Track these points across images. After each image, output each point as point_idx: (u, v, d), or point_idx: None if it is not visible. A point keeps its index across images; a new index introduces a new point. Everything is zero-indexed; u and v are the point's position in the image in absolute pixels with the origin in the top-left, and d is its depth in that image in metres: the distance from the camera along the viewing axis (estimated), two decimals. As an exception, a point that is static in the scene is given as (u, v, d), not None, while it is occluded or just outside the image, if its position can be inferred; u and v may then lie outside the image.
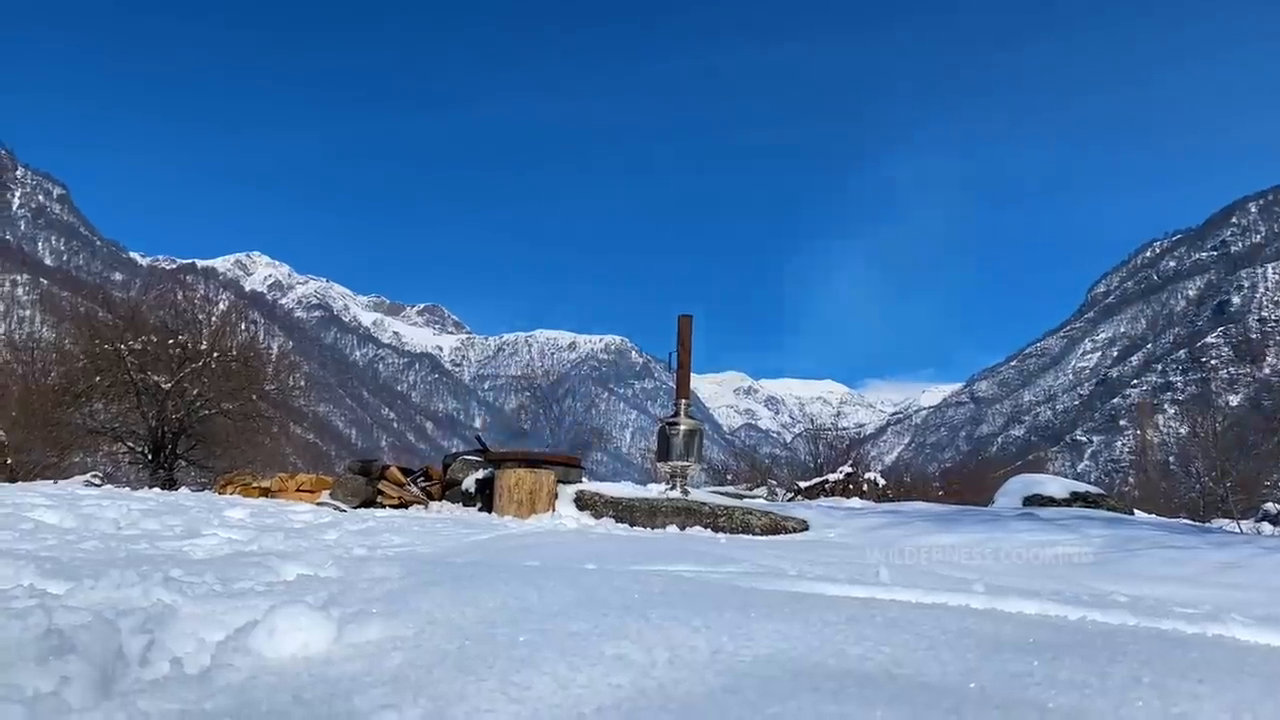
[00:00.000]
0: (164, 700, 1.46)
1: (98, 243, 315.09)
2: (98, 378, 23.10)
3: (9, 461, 22.06)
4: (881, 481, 22.94)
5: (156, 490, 12.76)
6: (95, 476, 17.21)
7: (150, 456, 23.51)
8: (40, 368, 25.89)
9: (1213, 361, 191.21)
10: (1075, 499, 13.05)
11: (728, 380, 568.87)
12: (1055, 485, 13.65)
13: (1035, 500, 12.90)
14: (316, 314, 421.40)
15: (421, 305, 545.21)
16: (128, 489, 13.36)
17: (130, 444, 24.44)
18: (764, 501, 13.01)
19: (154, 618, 2.02)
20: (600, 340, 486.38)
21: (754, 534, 9.01)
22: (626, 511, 9.87)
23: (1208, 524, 14.57)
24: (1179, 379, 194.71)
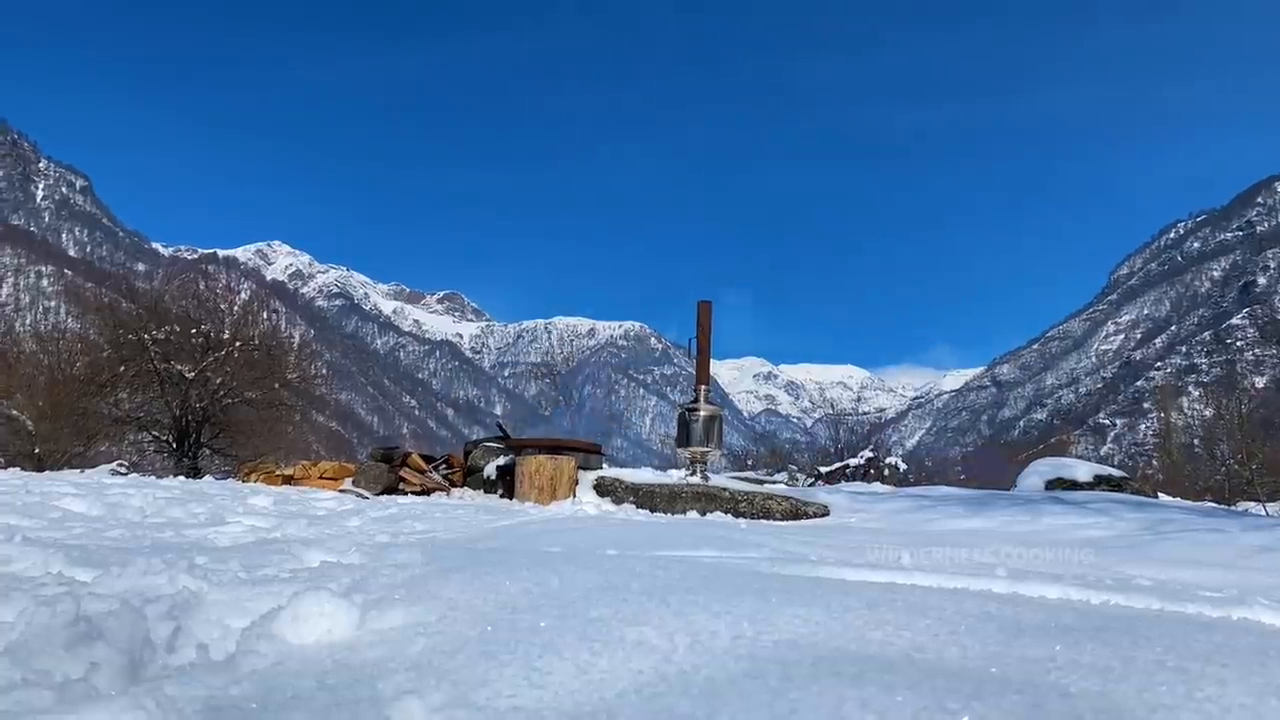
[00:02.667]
0: (190, 686, 1.48)
1: (120, 234, 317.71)
2: (122, 367, 23.33)
3: (37, 450, 22.33)
4: (903, 466, 22.88)
5: (181, 478, 12.87)
6: (121, 465, 17.42)
7: (175, 445, 23.74)
8: (66, 358, 26.14)
9: (1238, 343, 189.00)
10: (1099, 482, 12.98)
11: (747, 366, 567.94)
12: (1079, 469, 13.57)
13: (1058, 483, 12.84)
14: (337, 303, 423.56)
15: (441, 293, 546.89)
16: (153, 477, 13.48)
17: (155, 433, 24.68)
18: (784, 487, 13.00)
19: (180, 605, 2.04)
20: (619, 326, 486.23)
21: (774, 519, 9.01)
22: (647, 497, 9.88)
23: (1233, 507, 14.44)
24: (1203, 361, 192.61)
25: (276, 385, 25.50)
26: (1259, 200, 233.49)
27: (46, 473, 13.94)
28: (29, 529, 3.97)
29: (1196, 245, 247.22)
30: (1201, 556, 5.22)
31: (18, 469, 14.65)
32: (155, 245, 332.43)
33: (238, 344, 24.21)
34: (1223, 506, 13.32)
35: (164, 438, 24.39)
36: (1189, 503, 12.51)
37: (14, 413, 23.47)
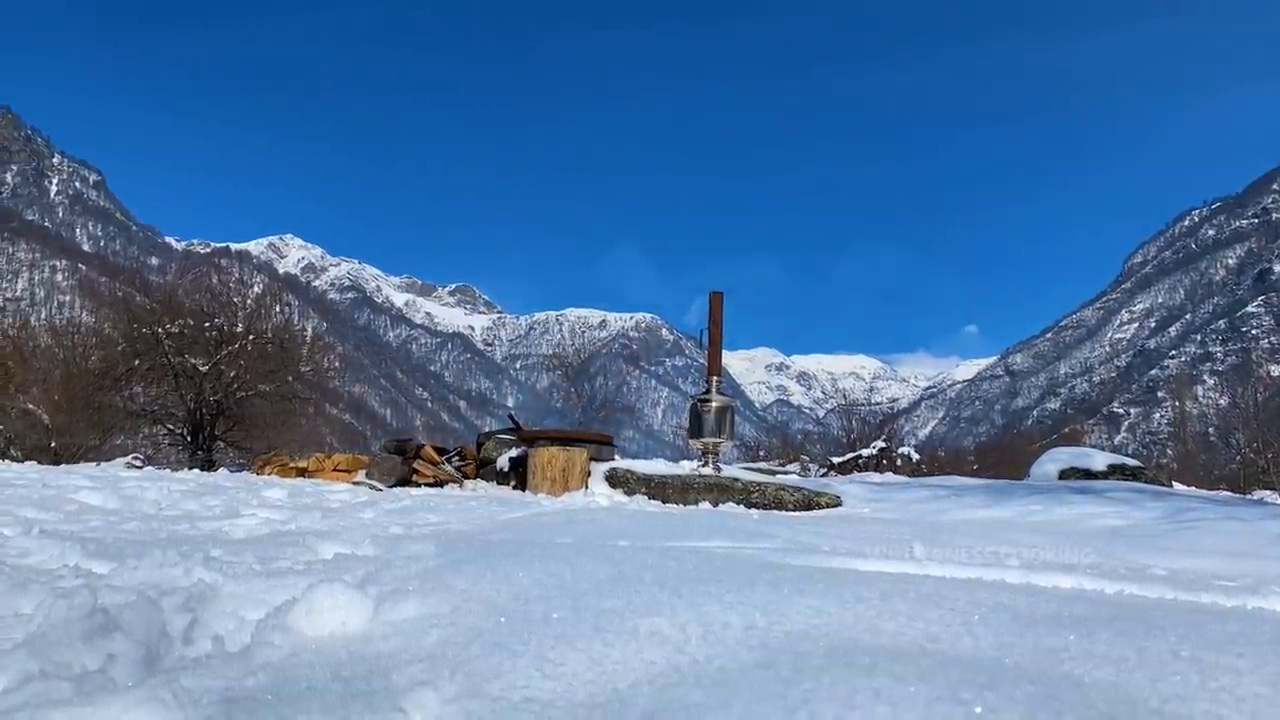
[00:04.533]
0: (207, 677, 1.49)
1: (133, 228, 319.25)
2: (136, 361, 23.42)
3: (53, 444, 22.48)
4: (915, 456, 22.86)
5: (196, 471, 12.95)
6: (136, 458, 17.51)
7: (189, 438, 23.85)
8: (81, 352, 26.28)
9: (1253, 331, 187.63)
10: (1113, 471, 12.92)
11: (759, 356, 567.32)
12: (1096, 458, 13.51)
13: (1073, 473, 12.78)
14: (350, 295, 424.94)
15: (453, 285, 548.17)
16: (168, 470, 13.57)
17: (169, 426, 24.80)
18: (797, 477, 12.99)
19: (196, 597, 2.06)
20: (631, 318, 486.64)
21: (787, 510, 9.01)
22: (659, 488, 9.89)
23: (1248, 495, 14.35)
24: (1218, 349, 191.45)
25: (290, 378, 25.57)
26: (1275, 187, 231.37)
27: (62, 466, 14.04)
28: (46, 522, 4.00)
29: (1211, 233, 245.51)
30: (1218, 545, 5.19)
31: (34, 462, 14.75)
32: (168, 239, 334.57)
33: (251, 337, 24.28)
34: (1238, 495, 13.24)
35: (178, 431, 24.51)
36: (1206, 492, 12.44)
37: (30, 407, 23.63)
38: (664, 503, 9.44)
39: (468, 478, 11.67)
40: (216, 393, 23.66)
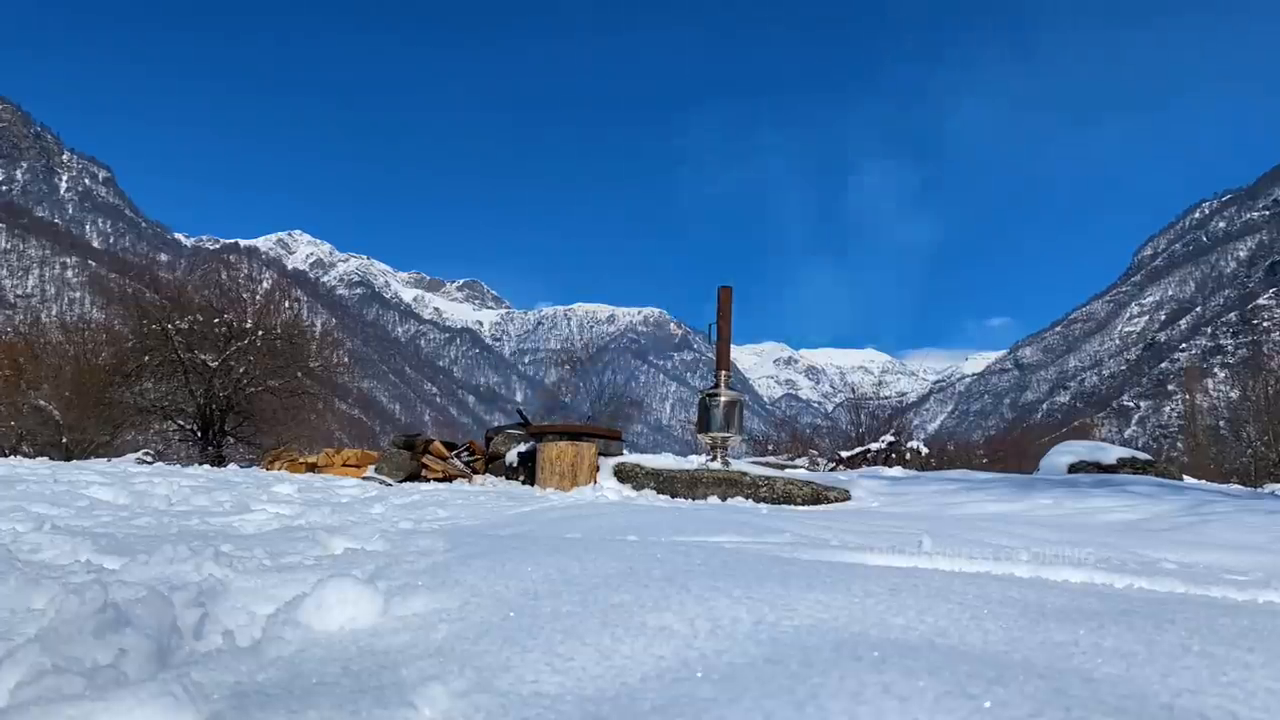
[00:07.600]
0: (217, 672, 1.49)
1: (143, 224, 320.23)
2: (146, 357, 23.54)
3: (64, 439, 22.58)
4: (924, 450, 22.81)
5: (206, 467, 13.00)
6: (146, 454, 17.59)
7: (199, 434, 23.95)
8: (91, 348, 26.39)
9: (1264, 324, 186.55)
10: (1124, 464, 12.87)
11: (768, 351, 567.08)
12: (1109, 452, 13.46)
13: (1083, 466, 12.74)
14: (358, 291, 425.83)
15: (461, 281, 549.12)
16: (178, 466, 13.62)
17: (180, 422, 24.91)
18: (805, 472, 12.97)
19: (206, 592, 2.06)
20: (639, 313, 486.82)
21: (796, 504, 9.00)
22: (667, 483, 9.89)
23: (1259, 489, 14.28)
24: (1229, 342, 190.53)
25: (299, 374, 25.67)
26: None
27: (74, 461, 14.10)
28: (57, 517, 4.02)
29: (1222, 225, 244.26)
30: (1230, 539, 5.17)
31: (46, 458, 14.82)
32: (177, 236, 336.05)
33: (260, 333, 24.38)
34: (1249, 488, 13.19)
35: (188, 426, 24.62)
36: (1222, 485, 12.38)
37: (41, 403, 23.75)
38: (672, 497, 9.44)
39: (476, 473, 11.68)
40: (226, 388, 23.76)
